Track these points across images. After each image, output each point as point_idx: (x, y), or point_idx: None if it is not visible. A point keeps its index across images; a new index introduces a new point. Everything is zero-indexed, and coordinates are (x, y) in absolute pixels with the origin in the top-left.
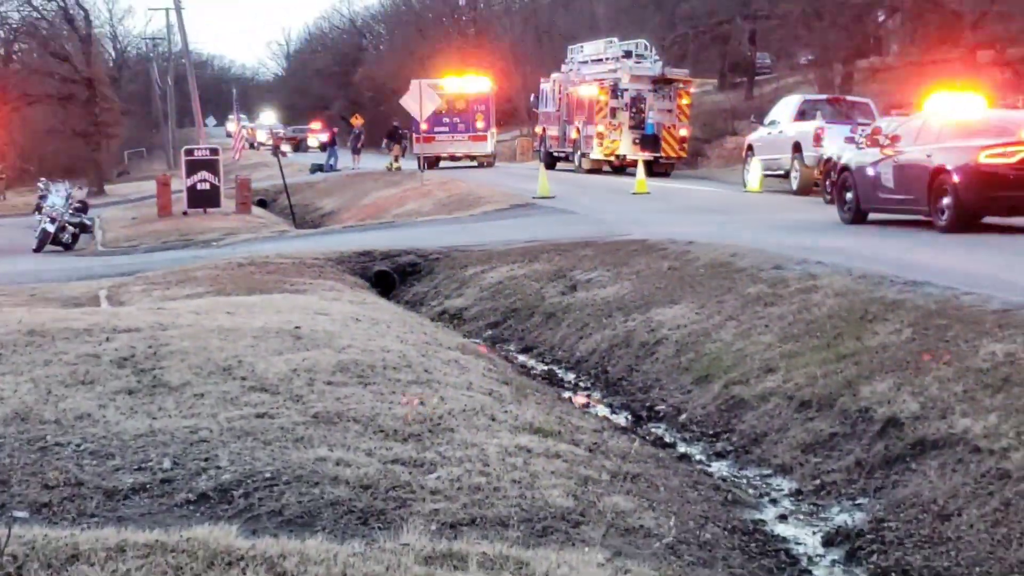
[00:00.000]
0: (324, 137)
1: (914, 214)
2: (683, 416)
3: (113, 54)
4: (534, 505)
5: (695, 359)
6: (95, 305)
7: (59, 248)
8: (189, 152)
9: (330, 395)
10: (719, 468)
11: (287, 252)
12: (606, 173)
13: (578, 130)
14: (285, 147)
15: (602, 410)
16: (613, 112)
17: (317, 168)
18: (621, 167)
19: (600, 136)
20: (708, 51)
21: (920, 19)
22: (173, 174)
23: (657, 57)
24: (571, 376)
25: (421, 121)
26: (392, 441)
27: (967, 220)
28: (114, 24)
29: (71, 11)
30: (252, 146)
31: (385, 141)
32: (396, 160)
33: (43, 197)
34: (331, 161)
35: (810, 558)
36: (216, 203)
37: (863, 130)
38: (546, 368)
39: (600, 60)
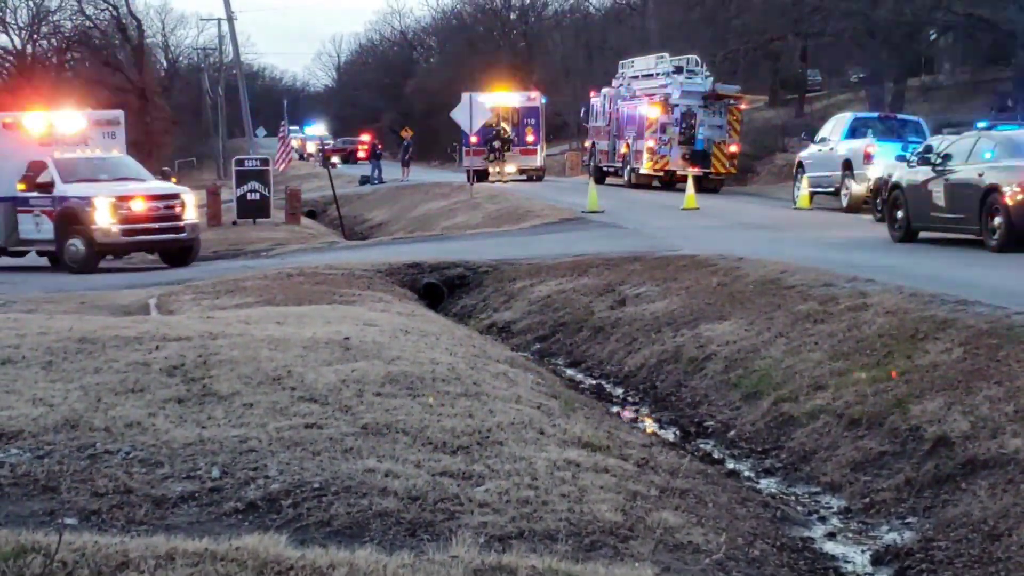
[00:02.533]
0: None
1: (965, 233)
2: (732, 432)
3: (165, 64)
4: (582, 519)
5: (744, 375)
6: (145, 313)
7: (109, 256)
8: (239, 162)
9: (379, 406)
10: (768, 485)
11: (336, 263)
12: (655, 188)
13: (628, 145)
14: (335, 158)
15: (650, 425)
16: (663, 127)
17: (366, 180)
18: (670, 182)
19: (650, 151)
20: (759, 68)
21: (972, 38)
22: (223, 184)
23: (708, 73)
24: (619, 391)
25: (471, 135)
26: (441, 453)
27: (1019, 240)
28: (166, 34)
29: (124, 20)
30: (301, 157)
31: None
32: (495, 170)
33: None
34: (375, 174)
35: None
36: (266, 213)
37: (914, 148)
38: (594, 382)
39: (651, 75)
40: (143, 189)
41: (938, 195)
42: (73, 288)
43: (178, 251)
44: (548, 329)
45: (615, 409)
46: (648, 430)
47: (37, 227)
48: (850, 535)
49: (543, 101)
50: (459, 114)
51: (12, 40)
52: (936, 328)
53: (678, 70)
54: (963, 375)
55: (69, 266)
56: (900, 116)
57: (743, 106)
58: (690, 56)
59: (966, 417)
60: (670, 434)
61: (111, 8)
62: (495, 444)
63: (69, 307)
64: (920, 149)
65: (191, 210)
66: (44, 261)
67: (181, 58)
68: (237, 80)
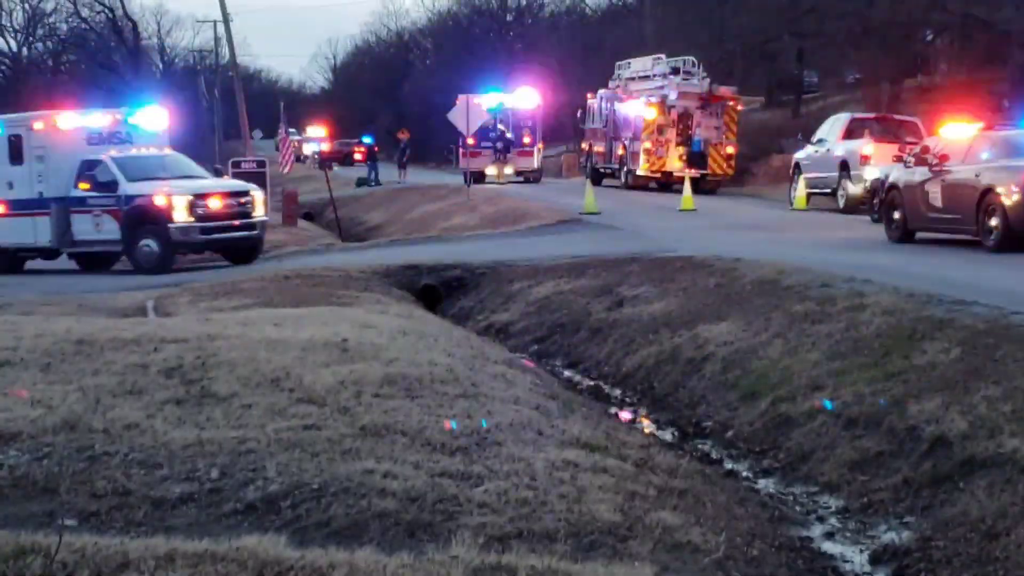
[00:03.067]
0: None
1: (962, 233)
2: (730, 432)
3: (160, 66)
4: (581, 519)
5: (742, 376)
6: (142, 316)
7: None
8: (236, 164)
9: (377, 408)
10: (766, 485)
11: (333, 265)
12: (652, 190)
13: (624, 146)
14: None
15: (648, 426)
16: (660, 129)
17: (363, 182)
18: (667, 184)
19: (647, 152)
20: (755, 69)
21: (968, 38)
22: None
23: (705, 74)
24: (617, 391)
25: (468, 136)
26: (439, 454)
27: (1015, 240)
28: (162, 36)
29: (119, 22)
30: (298, 159)
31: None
32: (497, 171)
33: None
34: (372, 176)
35: None
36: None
37: (911, 149)
38: (592, 383)
39: (647, 77)
40: (218, 186)
41: (935, 195)
42: (70, 291)
43: (246, 249)
44: (546, 330)
45: (613, 410)
46: (646, 430)
47: (97, 227)
48: (848, 534)
49: (539, 102)
50: (455, 116)
51: (7, 43)
52: (934, 328)
53: (675, 71)
54: (961, 375)
55: (140, 266)
56: (897, 116)
57: (740, 107)
58: (686, 57)
59: (964, 417)
60: (668, 434)
61: (107, 11)
62: (494, 445)
63: (67, 309)
64: (917, 150)
65: (260, 207)
66: (41, 264)
67: (177, 60)
68: (233, 82)
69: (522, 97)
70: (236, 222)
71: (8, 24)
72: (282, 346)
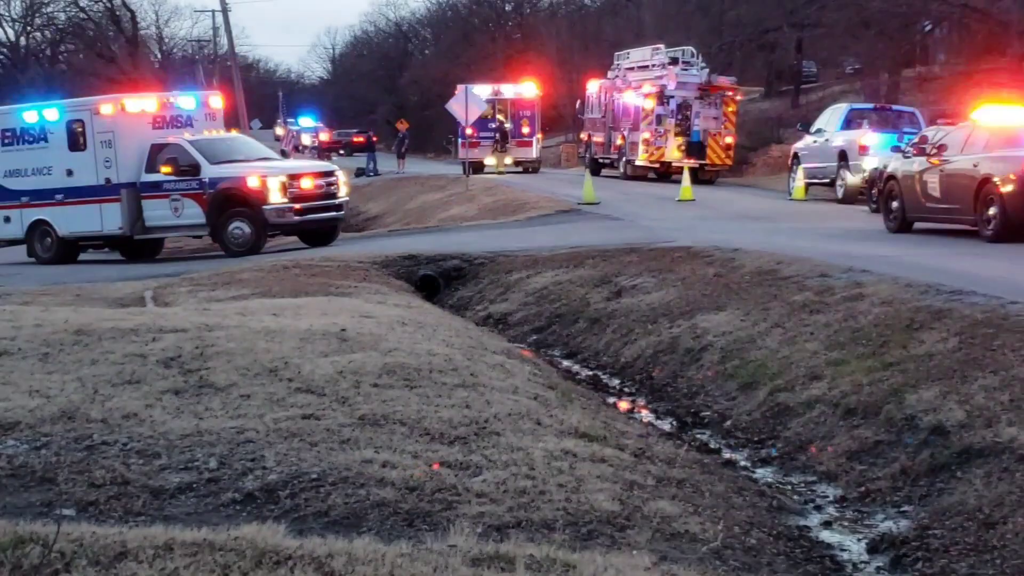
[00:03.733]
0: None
1: (960, 224)
2: (728, 422)
3: (159, 56)
4: (580, 509)
5: (740, 366)
6: (141, 305)
7: (106, 249)
8: None
9: (376, 397)
10: (764, 474)
11: (332, 255)
12: (651, 180)
13: (623, 136)
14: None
15: (647, 416)
16: (659, 119)
17: (361, 172)
18: (666, 174)
19: (646, 143)
20: (754, 59)
21: (967, 28)
22: None
23: (704, 64)
24: (616, 381)
25: (467, 126)
26: (438, 444)
27: (1013, 230)
28: (160, 26)
29: (118, 12)
30: (297, 149)
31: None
32: (496, 161)
33: None
34: (370, 166)
35: (855, 565)
36: None
37: (909, 139)
38: (591, 373)
39: (646, 67)
40: (307, 167)
41: (933, 186)
42: (69, 281)
43: (329, 230)
44: (544, 320)
45: (612, 400)
46: (644, 420)
47: (176, 212)
48: (846, 523)
49: (538, 93)
50: (454, 106)
51: (6, 32)
52: (931, 318)
53: (674, 61)
54: (958, 364)
55: (230, 249)
56: (895, 107)
57: (739, 97)
58: (686, 47)
59: (961, 406)
60: (666, 424)
61: (105, 0)
62: (492, 434)
63: (65, 299)
64: (915, 140)
65: (343, 187)
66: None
67: (176, 50)
68: (232, 72)
69: (521, 87)
70: (323, 203)
71: (6, 13)
72: (280, 336)
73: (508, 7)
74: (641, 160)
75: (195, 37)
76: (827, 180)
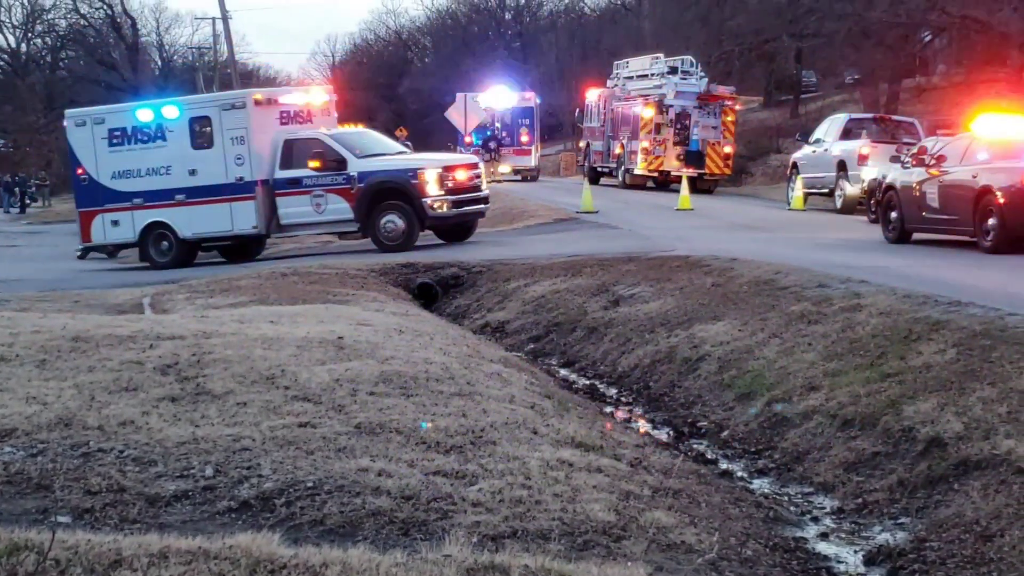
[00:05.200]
0: None
1: (959, 235)
2: (725, 433)
3: (159, 63)
4: (575, 519)
5: (738, 376)
6: (138, 312)
7: (103, 255)
8: None
9: (372, 406)
10: (761, 485)
11: (330, 263)
12: (650, 189)
13: (622, 145)
14: None
15: (644, 425)
16: (658, 128)
17: None
18: (665, 183)
19: (645, 152)
20: (754, 68)
21: (966, 39)
22: None
23: (703, 74)
24: (613, 391)
25: (465, 134)
26: (434, 452)
27: (1012, 241)
28: (160, 33)
29: (118, 19)
30: None
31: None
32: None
33: None
34: None
35: None
36: None
37: (908, 150)
38: (588, 383)
39: (646, 76)
40: (457, 159)
41: (932, 196)
42: (67, 287)
43: (471, 224)
44: (542, 329)
45: (608, 409)
46: (641, 430)
47: (319, 208)
48: (843, 535)
49: (538, 101)
50: (454, 114)
51: (6, 38)
52: (930, 329)
53: (673, 71)
54: (956, 376)
55: (383, 244)
56: (894, 117)
57: (738, 107)
58: (685, 57)
59: (959, 418)
60: (663, 434)
61: (106, 7)
62: (489, 444)
63: (63, 306)
64: (914, 150)
65: (485, 179)
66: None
67: (176, 57)
68: (232, 79)
69: (520, 96)
70: (473, 195)
71: (7, 20)
72: (278, 343)
73: (508, 15)
74: (640, 169)
75: (195, 44)
76: (826, 190)
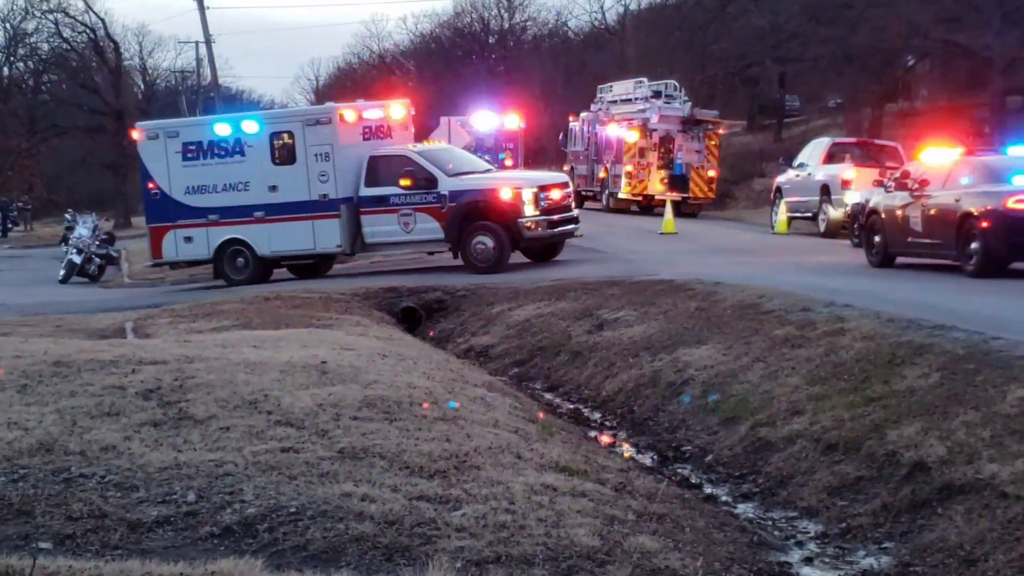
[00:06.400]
0: None
1: (942, 258)
2: (709, 457)
3: (142, 86)
4: (560, 544)
5: (722, 400)
6: (121, 337)
7: (85, 279)
8: None
9: (356, 430)
10: (745, 510)
11: (313, 287)
12: (634, 213)
13: (606, 169)
14: None
15: (628, 450)
16: (642, 152)
17: None
18: (649, 207)
19: (628, 175)
20: (737, 93)
21: (949, 64)
22: None
23: (686, 98)
24: (597, 415)
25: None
26: (418, 477)
27: (995, 265)
28: (144, 56)
29: (101, 43)
30: None
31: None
32: None
33: (70, 228)
34: None
35: None
36: None
37: (892, 174)
38: (572, 407)
39: (629, 100)
40: (549, 178)
41: (915, 220)
42: (49, 311)
43: (560, 243)
44: (526, 353)
45: (593, 433)
46: (626, 455)
47: (407, 227)
48: (827, 560)
49: (522, 125)
50: (437, 138)
51: None
52: (913, 353)
53: (656, 95)
54: (940, 400)
55: (474, 266)
56: (878, 141)
57: (721, 131)
58: (669, 81)
59: (943, 442)
60: (647, 459)
61: (88, 31)
62: (472, 468)
63: (45, 330)
64: (897, 174)
65: (573, 199)
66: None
67: (159, 81)
68: (215, 103)
69: (504, 120)
70: (567, 214)
71: None
72: (261, 368)
73: (492, 39)
74: (624, 193)
75: (179, 68)
76: (809, 214)
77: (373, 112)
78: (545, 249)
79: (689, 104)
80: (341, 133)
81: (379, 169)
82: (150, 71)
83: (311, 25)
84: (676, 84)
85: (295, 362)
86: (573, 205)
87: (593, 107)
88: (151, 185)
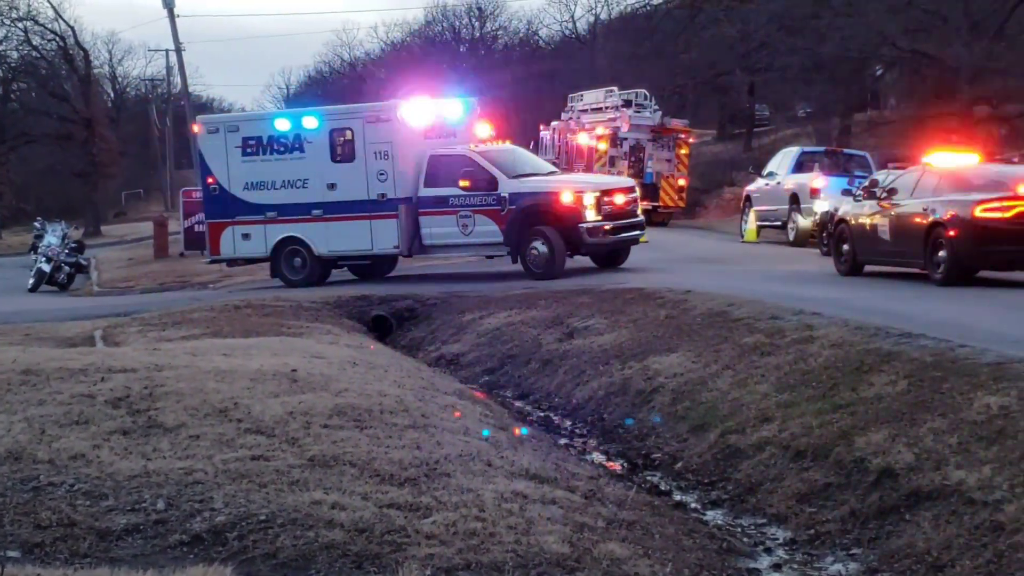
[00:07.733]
0: None
1: (910, 267)
2: (679, 464)
3: (112, 95)
4: (529, 551)
5: (691, 407)
6: (90, 345)
7: (55, 288)
8: (187, 193)
9: (326, 438)
10: (714, 516)
11: (284, 295)
12: None
13: None
14: None
15: (598, 457)
16: (612, 161)
17: None
18: None
19: None
20: (707, 102)
21: (918, 73)
22: (170, 215)
23: (657, 107)
24: (567, 423)
25: None
26: (388, 485)
27: (963, 273)
28: (113, 65)
29: (71, 51)
30: None
31: None
32: None
33: (39, 237)
34: None
35: None
36: None
37: (860, 182)
38: (542, 414)
39: (600, 109)
40: (614, 182)
41: (883, 229)
42: (18, 319)
43: (626, 250)
44: (497, 361)
45: (563, 441)
46: (595, 462)
47: (466, 229)
48: (795, 566)
49: (492, 133)
50: None
51: None
52: (881, 361)
53: (627, 103)
54: (908, 407)
55: (531, 271)
56: (846, 150)
57: (692, 140)
58: (639, 90)
59: (910, 449)
60: (617, 466)
61: (58, 39)
62: (443, 476)
63: (14, 339)
64: (866, 183)
65: (639, 204)
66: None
67: (129, 89)
68: (185, 111)
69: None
70: (631, 220)
71: None
72: (231, 376)
73: (463, 48)
74: None
75: (149, 76)
76: (779, 223)
77: (436, 109)
78: (610, 255)
79: (659, 113)
80: (402, 131)
81: (439, 169)
82: (120, 79)
83: (282, 34)
84: (646, 93)
85: (265, 370)
86: (639, 211)
87: (564, 116)
88: (210, 180)
